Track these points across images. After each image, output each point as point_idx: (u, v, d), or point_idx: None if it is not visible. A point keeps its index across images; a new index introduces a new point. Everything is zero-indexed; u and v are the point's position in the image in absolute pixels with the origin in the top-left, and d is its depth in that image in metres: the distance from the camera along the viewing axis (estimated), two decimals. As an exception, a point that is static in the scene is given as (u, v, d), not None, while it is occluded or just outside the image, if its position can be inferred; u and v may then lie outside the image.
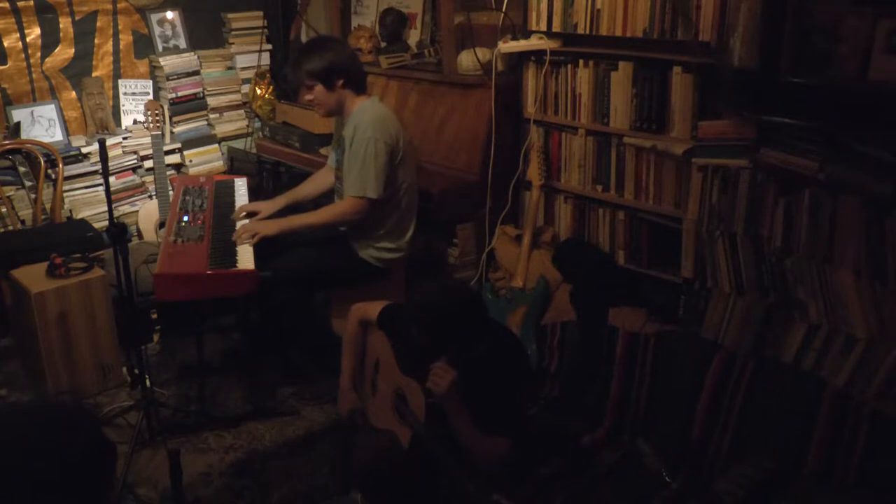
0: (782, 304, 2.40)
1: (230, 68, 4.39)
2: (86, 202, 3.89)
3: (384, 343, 2.32)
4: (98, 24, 3.97)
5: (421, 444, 2.10)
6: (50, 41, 3.84)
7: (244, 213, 3.02)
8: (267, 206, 3.07)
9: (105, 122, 3.97)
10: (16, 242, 3.39)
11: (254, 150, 4.21)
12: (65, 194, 3.79)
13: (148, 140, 3.85)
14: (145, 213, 3.92)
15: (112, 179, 3.63)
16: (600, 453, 2.51)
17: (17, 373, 3.27)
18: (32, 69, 3.82)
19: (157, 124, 3.65)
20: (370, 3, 4.12)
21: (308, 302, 3.04)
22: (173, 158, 4.19)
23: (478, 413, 2.05)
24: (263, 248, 2.78)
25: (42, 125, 3.82)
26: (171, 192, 3.64)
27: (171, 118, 4.17)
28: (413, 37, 3.91)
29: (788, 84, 2.27)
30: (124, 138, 3.99)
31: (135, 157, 4.04)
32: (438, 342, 2.06)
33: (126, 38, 4.08)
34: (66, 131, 3.90)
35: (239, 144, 4.38)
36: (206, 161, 4.31)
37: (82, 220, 3.71)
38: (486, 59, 3.29)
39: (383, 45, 3.93)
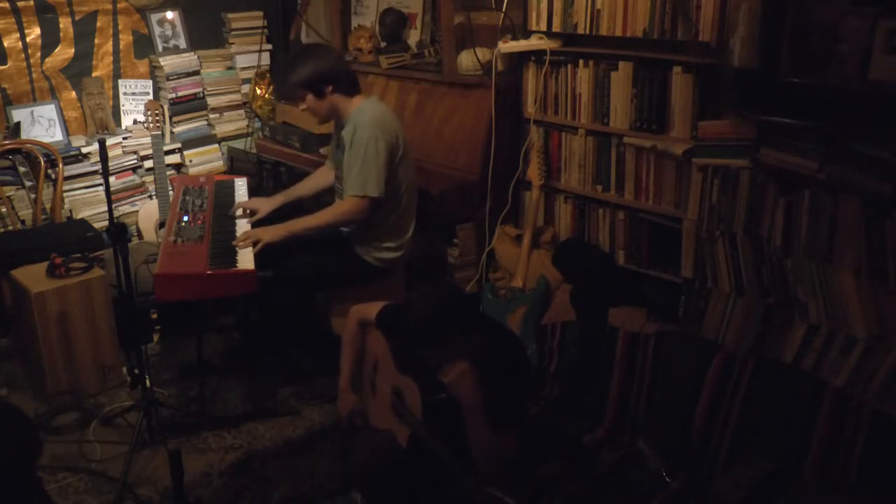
0: (782, 304, 2.40)
1: (230, 68, 4.39)
2: (86, 202, 3.90)
3: (382, 343, 2.32)
4: (98, 24, 3.97)
5: (419, 442, 2.10)
6: (50, 41, 3.84)
7: (241, 211, 3.03)
8: (265, 204, 3.07)
9: (105, 122, 3.97)
10: (16, 242, 3.39)
11: (254, 150, 4.21)
12: (65, 194, 3.79)
13: (148, 140, 3.85)
14: (145, 213, 3.92)
15: (112, 179, 3.64)
16: (600, 453, 2.50)
17: (16, 373, 3.27)
18: (32, 69, 3.82)
19: (157, 124, 3.65)
20: (370, 3, 4.12)
21: (308, 302, 3.04)
22: (173, 158, 4.19)
23: (486, 409, 2.06)
24: (264, 248, 2.78)
25: (42, 125, 3.82)
26: (171, 192, 3.64)
27: (171, 118, 4.17)
28: (413, 37, 3.91)
29: (788, 84, 2.27)
30: (124, 138, 4.00)
31: (135, 157, 4.05)
32: (439, 345, 2.06)
33: (126, 38, 4.08)
34: (66, 131, 3.90)
35: (239, 144, 4.38)
36: (206, 161, 4.32)
37: (82, 220, 3.71)
38: (486, 59, 3.29)
39: (383, 45, 3.93)
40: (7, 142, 3.64)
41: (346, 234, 2.98)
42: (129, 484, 2.56)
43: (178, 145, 4.21)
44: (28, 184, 3.66)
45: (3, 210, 3.60)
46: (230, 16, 4.35)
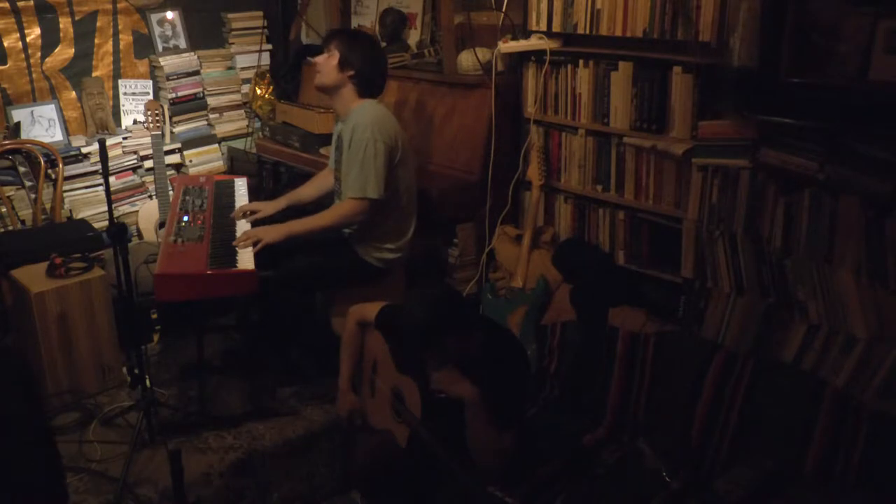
0: (782, 304, 2.40)
1: (230, 68, 4.39)
2: (86, 202, 3.89)
3: (381, 343, 2.32)
4: (98, 24, 3.97)
5: (419, 442, 2.10)
6: (50, 41, 3.84)
7: (243, 213, 3.03)
8: (267, 207, 3.07)
9: (105, 122, 3.97)
10: (16, 242, 3.39)
11: (254, 150, 4.21)
12: (65, 194, 3.79)
13: (148, 140, 3.85)
14: (145, 213, 3.92)
15: (112, 179, 3.64)
16: (600, 453, 2.50)
17: (17, 373, 3.27)
18: (32, 69, 3.82)
19: (157, 124, 3.65)
20: (370, 3, 4.12)
21: (308, 302, 3.04)
22: (173, 158, 4.19)
23: (486, 406, 2.06)
24: (264, 249, 2.78)
25: (42, 125, 3.82)
26: (171, 192, 3.64)
27: (171, 118, 4.17)
28: (413, 37, 3.91)
29: (788, 84, 2.27)
30: (124, 138, 4.00)
31: (135, 157, 4.05)
32: (436, 346, 2.06)
33: (126, 38, 4.08)
34: (66, 131, 3.90)
35: (239, 144, 4.38)
36: (206, 161, 4.32)
37: (82, 220, 3.71)
38: (486, 59, 3.29)
39: (383, 44, 3.93)
40: (7, 142, 3.64)
41: (346, 234, 2.98)
42: (129, 484, 2.56)
43: (178, 145, 4.21)
44: (28, 184, 3.66)
45: (3, 210, 3.60)
46: (230, 16, 4.35)
